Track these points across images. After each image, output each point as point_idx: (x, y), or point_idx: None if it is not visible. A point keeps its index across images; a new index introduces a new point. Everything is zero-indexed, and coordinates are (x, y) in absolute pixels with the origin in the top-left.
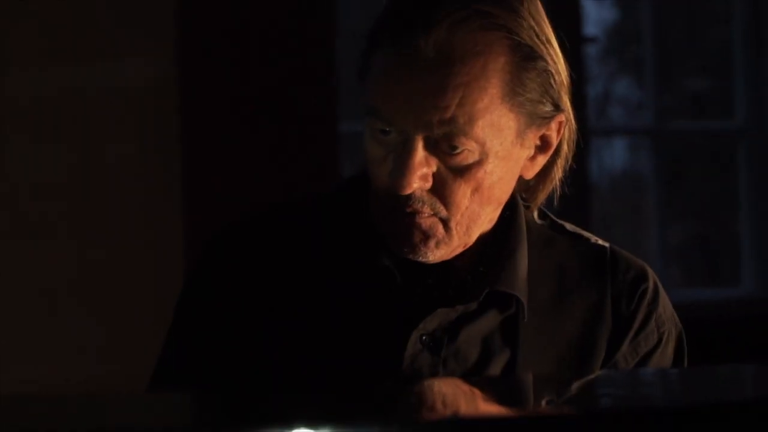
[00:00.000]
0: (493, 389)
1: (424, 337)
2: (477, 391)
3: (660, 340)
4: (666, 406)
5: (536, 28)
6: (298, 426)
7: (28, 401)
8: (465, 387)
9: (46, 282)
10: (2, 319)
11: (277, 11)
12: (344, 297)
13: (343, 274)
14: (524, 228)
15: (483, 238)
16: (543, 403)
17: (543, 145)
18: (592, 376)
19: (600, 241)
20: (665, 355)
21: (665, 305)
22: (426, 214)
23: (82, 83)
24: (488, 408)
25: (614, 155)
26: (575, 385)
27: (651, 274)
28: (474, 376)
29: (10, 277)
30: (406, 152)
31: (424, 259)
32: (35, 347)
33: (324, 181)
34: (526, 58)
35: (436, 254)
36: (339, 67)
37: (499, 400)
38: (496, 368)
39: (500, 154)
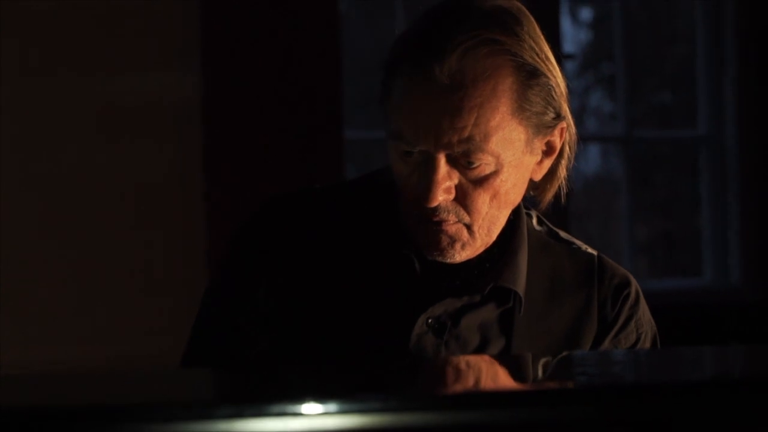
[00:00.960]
0: (485, 368)
1: (430, 321)
2: (471, 369)
3: (638, 339)
4: (634, 382)
5: (536, 48)
6: (308, 400)
7: (59, 377)
8: (461, 365)
9: (79, 270)
10: (41, 304)
11: (289, 35)
12: (366, 279)
13: (368, 258)
14: (525, 233)
15: None
16: (529, 380)
17: (548, 150)
18: (570, 357)
19: (589, 249)
20: None
21: (644, 310)
22: (451, 222)
23: (112, 95)
24: (479, 383)
25: (589, 160)
26: (556, 365)
27: (633, 281)
28: None
29: (48, 266)
30: (430, 169)
31: (451, 261)
32: (68, 329)
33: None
34: (530, 76)
35: (462, 255)
36: (343, 83)
37: (491, 378)
38: (491, 354)
39: (513, 163)
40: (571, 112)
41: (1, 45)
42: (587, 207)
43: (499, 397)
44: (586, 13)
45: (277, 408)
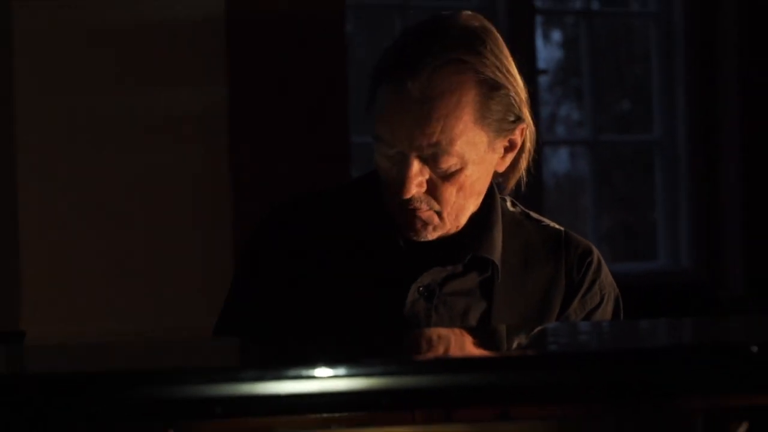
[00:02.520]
0: (470, 337)
1: (420, 289)
2: (458, 338)
3: (602, 300)
4: (598, 349)
5: (497, 63)
6: (320, 365)
7: (106, 347)
8: (449, 334)
9: (125, 261)
10: (92, 283)
11: (303, 52)
12: (364, 260)
13: (364, 244)
14: (500, 212)
15: (469, 218)
16: (508, 347)
17: (510, 146)
18: (542, 328)
19: (557, 226)
20: (606, 311)
21: (606, 274)
22: (424, 209)
23: (151, 106)
24: (467, 350)
25: (560, 161)
26: (532, 335)
27: (595, 250)
28: (458, 322)
29: (92, 255)
30: (405, 167)
31: (425, 240)
32: (105, 307)
33: (338, 181)
34: (491, 89)
35: (434, 235)
36: (349, 94)
37: (475, 345)
38: (475, 316)
39: (476, 161)
40: (532, 114)
41: (47, 62)
42: (558, 201)
43: (488, 361)
44: (557, 35)
45: (293, 372)
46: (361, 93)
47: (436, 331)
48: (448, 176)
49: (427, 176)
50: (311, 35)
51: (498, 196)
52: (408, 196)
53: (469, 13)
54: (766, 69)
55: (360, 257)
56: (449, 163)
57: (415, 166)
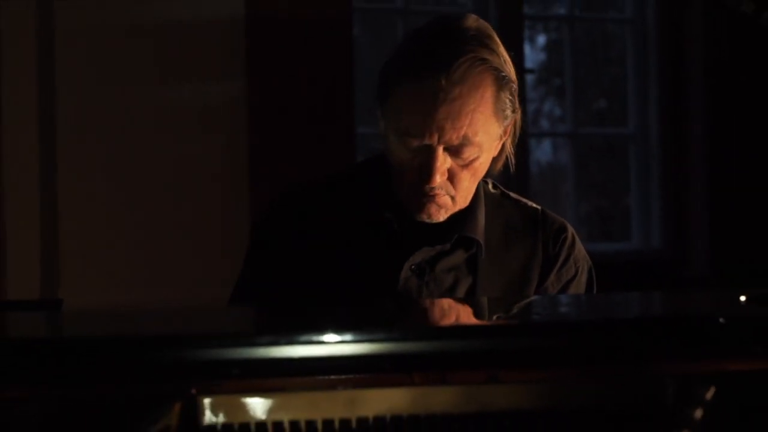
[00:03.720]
0: (462, 307)
1: (413, 267)
2: (452, 308)
3: (577, 272)
4: (580, 319)
5: (505, 58)
6: (328, 331)
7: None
8: (443, 304)
9: (153, 238)
10: (118, 260)
11: (314, 53)
12: (361, 242)
13: (361, 227)
14: (482, 195)
15: None
16: (496, 317)
17: (504, 133)
18: (528, 300)
19: (535, 204)
20: (581, 282)
21: (580, 248)
22: (441, 195)
23: (177, 99)
24: (460, 319)
25: (543, 152)
26: (518, 306)
27: (569, 227)
28: (447, 295)
29: (122, 238)
30: (432, 159)
31: (436, 221)
32: (143, 277)
33: (344, 166)
34: (504, 83)
35: (443, 218)
36: (355, 90)
37: (467, 315)
38: (462, 290)
39: (488, 149)
40: (520, 103)
41: (85, 58)
42: (542, 188)
43: (478, 329)
44: (541, 39)
45: (304, 337)
46: (365, 89)
47: (432, 302)
48: (467, 164)
49: (449, 165)
50: (322, 36)
51: (480, 180)
52: (435, 185)
53: (473, 15)
54: (730, 69)
55: (357, 239)
56: (470, 152)
57: (441, 157)
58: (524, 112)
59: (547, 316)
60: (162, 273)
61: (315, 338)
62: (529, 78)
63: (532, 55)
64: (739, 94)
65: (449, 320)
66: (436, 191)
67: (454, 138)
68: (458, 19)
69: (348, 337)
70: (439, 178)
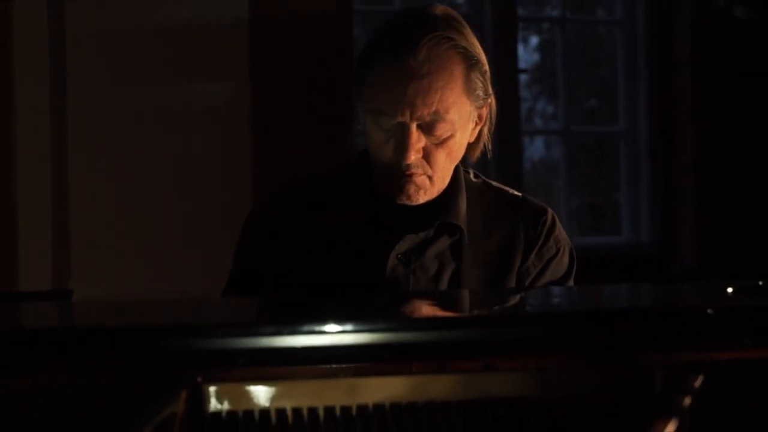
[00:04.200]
0: (458, 299)
1: (399, 255)
2: (448, 299)
3: (557, 251)
4: (572, 310)
5: (473, 42)
6: (330, 322)
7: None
8: (439, 296)
9: (161, 231)
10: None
11: (316, 53)
12: (349, 233)
13: (349, 219)
14: (463, 182)
15: None
16: (491, 308)
17: (479, 119)
18: (522, 292)
19: (516, 192)
20: (562, 261)
21: (560, 230)
22: (419, 174)
23: (184, 98)
24: (456, 310)
25: (536, 149)
26: (512, 298)
27: (550, 210)
28: (433, 282)
29: (132, 228)
30: (406, 136)
31: (416, 203)
32: (150, 269)
33: (343, 159)
34: (473, 63)
35: (423, 198)
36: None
37: (463, 306)
38: (447, 275)
39: (462, 129)
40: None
41: (94, 57)
42: (535, 183)
43: (474, 320)
44: (534, 40)
45: (306, 327)
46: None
47: (429, 293)
48: (441, 142)
49: (423, 143)
50: (322, 37)
51: (461, 169)
52: (409, 161)
53: (438, 5)
54: (717, 69)
55: (344, 232)
56: (443, 129)
57: (415, 134)
58: (518, 111)
59: (541, 307)
60: (168, 265)
61: (317, 328)
62: (523, 78)
63: (526, 56)
64: (726, 94)
65: (447, 311)
66: (413, 170)
67: (426, 114)
68: (429, 7)
69: (349, 327)
70: (414, 156)
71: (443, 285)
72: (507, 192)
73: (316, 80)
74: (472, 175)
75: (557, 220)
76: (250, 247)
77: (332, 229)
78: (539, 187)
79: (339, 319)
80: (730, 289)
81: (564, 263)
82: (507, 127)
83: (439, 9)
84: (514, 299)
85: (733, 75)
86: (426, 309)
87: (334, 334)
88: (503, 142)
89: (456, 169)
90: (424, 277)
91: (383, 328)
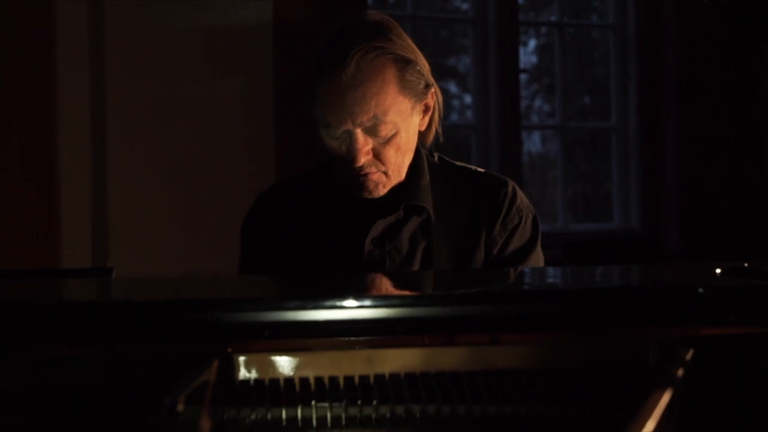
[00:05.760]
0: (464, 277)
1: (373, 239)
2: (455, 278)
3: (521, 220)
4: (572, 289)
5: (403, 44)
6: (349, 298)
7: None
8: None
9: (192, 214)
10: (153, 233)
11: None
12: (327, 225)
13: (327, 211)
14: (426, 166)
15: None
16: (496, 286)
17: (426, 109)
18: (528, 271)
19: (479, 169)
20: (525, 229)
21: (522, 198)
22: (373, 172)
23: (209, 93)
24: (464, 288)
25: (534, 143)
26: (517, 276)
27: (510, 182)
28: (407, 262)
29: (165, 210)
30: (353, 141)
31: (376, 197)
32: (182, 248)
33: None
34: (404, 64)
35: (383, 192)
36: None
37: (469, 284)
38: (419, 253)
39: (405, 125)
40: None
41: (133, 57)
42: (532, 175)
43: (482, 296)
44: (533, 43)
45: (327, 303)
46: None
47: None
48: (387, 141)
49: (371, 145)
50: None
51: (424, 152)
52: (360, 164)
53: (372, 11)
54: (701, 70)
55: (324, 223)
56: (386, 130)
57: (361, 138)
58: (518, 108)
59: (544, 285)
60: (198, 245)
61: (337, 303)
62: (523, 77)
63: (525, 57)
64: (709, 93)
65: (454, 288)
66: (366, 169)
67: (366, 120)
68: (360, 17)
69: (366, 302)
70: (364, 158)
71: (416, 263)
72: (469, 169)
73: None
74: (436, 158)
75: (518, 190)
76: (250, 239)
77: (315, 221)
78: (537, 178)
79: (357, 295)
80: (718, 270)
81: (527, 230)
82: (507, 122)
83: (370, 16)
84: (518, 278)
85: (715, 76)
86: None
87: (353, 309)
88: (504, 137)
89: (417, 153)
90: (399, 256)
91: (397, 303)
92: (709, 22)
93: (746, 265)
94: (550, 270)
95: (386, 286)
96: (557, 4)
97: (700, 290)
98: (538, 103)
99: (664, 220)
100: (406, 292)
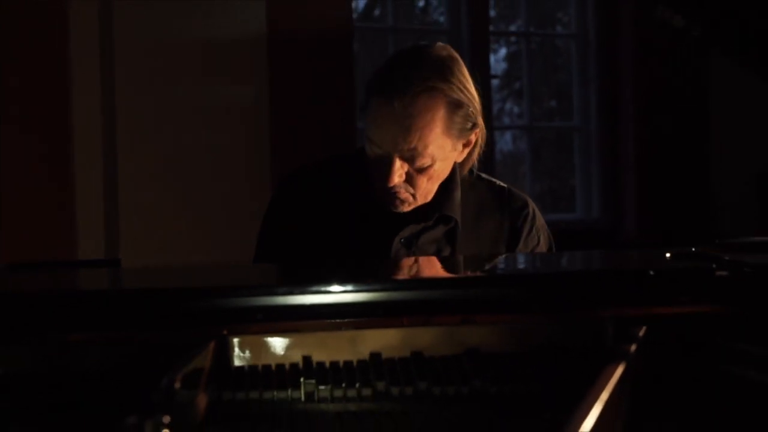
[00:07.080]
0: (441, 264)
1: (402, 240)
2: (434, 265)
3: (539, 240)
4: (535, 273)
5: (461, 86)
6: (334, 284)
7: (176, 270)
8: (426, 262)
9: (195, 209)
10: (160, 224)
11: (324, 63)
12: (360, 217)
13: (360, 204)
14: (458, 179)
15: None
16: (469, 272)
17: (467, 143)
18: (493, 258)
19: (502, 183)
20: (543, 247)
21: (539, 219)
22: (402, 192)
23: (209, 99)
24: (440, 273)
25: (505, 142)
26: (485, 263)
27: (531, 202)
28: None
29: (167, 203)
30: (389, 164)
31: (402, 212)
32: (186, 240)
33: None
34: (456, 107)
35: (407, 210)
36: (356, 92)
37: (445, 270)
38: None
39: (442, 159)
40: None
41: (140, 65)
42: (504, 170)
43: (455, 281)
44: (503, 51)
45: (314, 288)
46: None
47: (417, 260)
48: (421, 170)
49: (405, 170)
50: (328, 50)
51: (457, 168)
52: (391, 185)
53: (441, 44)
54: (656, 74)
55: (355, 216)
56: (423, 161)
57: (397, 163)
58: (489, 110)
59: (509, 270)
60: (200, 237)
61: (323, 288)
62: (494, 82)
63: (496, 64)
64: (662, 95)
65: (431, 274)
66: (396, 189)
67: (406, 150)
68: (426, 47)
69: (350, 287)
70: (396, 180)
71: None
72: (494, 183)
73: (323, 85)
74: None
75: (537, 211)
76: (275, 220)
77: (345, 211)
78: (508, 174)
79: (341, 281)
80: (668, 255)
81: (544, 248)
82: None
83: (439, 51)
84: (487, 264)
85: (668, 78)
86: (414, 272)
87: (337, 294)
88: None
89: (453, 170)
90: None
91: (378, 288)
92: (662, 31)
93: (693, 250)
94: (520, 256)
95: (370, 272)
96: (524, 15)
97: (651, 273)
98: (508, 105)
99: (623, 211)
100: (387, 278)
